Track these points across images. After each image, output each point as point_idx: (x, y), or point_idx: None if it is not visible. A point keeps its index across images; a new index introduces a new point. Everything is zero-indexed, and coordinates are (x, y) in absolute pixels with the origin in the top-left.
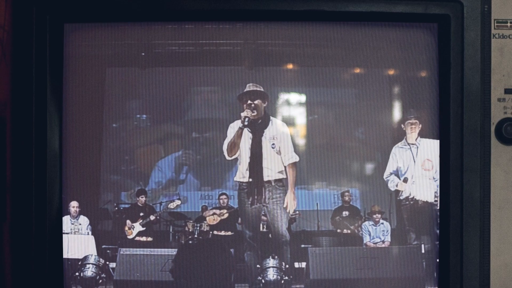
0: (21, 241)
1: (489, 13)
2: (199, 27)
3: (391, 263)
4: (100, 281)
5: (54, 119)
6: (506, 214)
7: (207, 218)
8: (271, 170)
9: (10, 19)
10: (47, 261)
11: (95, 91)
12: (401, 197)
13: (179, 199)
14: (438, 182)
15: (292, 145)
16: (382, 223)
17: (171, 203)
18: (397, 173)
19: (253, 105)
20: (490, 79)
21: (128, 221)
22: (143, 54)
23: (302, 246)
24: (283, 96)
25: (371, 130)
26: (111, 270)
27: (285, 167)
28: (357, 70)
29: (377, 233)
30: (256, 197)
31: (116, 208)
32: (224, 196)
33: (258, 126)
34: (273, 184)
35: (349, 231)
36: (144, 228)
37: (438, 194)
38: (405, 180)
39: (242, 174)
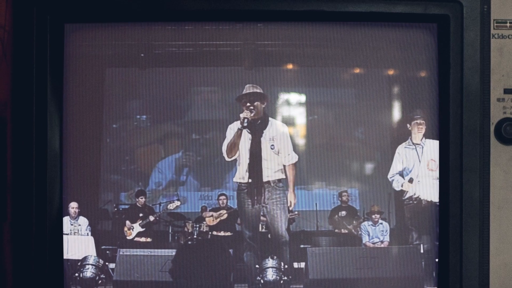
0: (22, 241)
1: (488, 13)
2: (198, 28)
3: (390, 263)
4: (100, 281)
5: (54, 119)
6: (505, 214)
7: (206, 219)
8: (271, 170)
9: (10, 19)
10: (48, 261)
11: (96, 91)
12: (405, 197)
13: (178, 199)
14: None
15: (292, 145)
16: (381, 223)
17: (171, 204)
18: (402, 173)
19: (251, 107)
20: (489, 79)
21: (127, 222)
22: (142, 55)
23: (301, 246)
24: (283, 97)
25: (370, 130)
26: (110, 270)
27: (284, 167)
28: (357, 70)
29: (376, 233)
30: (255, 197)
31: (116, 209)
32: (223, 197)
33: (257, 127)
34: (272, 184)
35: (347, 231)
36: (143, 229)
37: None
38: (411, 181)
39: (241, 175)
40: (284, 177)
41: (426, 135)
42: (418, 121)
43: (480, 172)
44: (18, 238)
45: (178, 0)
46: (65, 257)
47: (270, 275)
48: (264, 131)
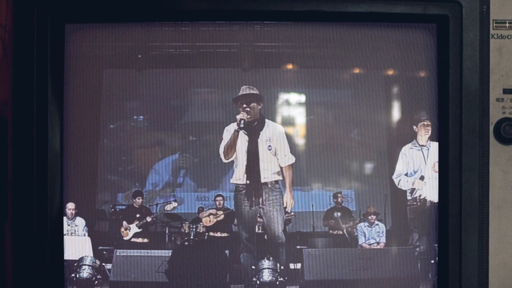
0: (22, 240)
1: (487, 14)
2: (196, 29)
3: (386, 264)
4: (96, 282)
5: (55, 119)
6: (504, 214)
7: (203, 220)
8: (268, 171)
9: (11, 19)
10: (48, 261)
11: (96, 91)
12: (410, 197)
13: (175, 200)
14: None
15: (288, 146)
16: (377, 224)
17: (168, 205)
18: (407, 174)
19: (248, 108)
20: (488, 79)
21: (124, 223)
22: (139, 56)
23: (298, 247)
24: (280, 97)
25: (368, 130)
26: (107, 271)
27: (281, 168)
28: (356, 71)
29: (372, 234)
30: (253, 199)
31: (113, 210)
32: (220, 198)
33: (253, 128)
34: (269, 186)
35: (342, 232)
36: (140, 230)
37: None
38: (422, 178)
39: (239, 176)
40: (281, 178)
41: (430, 137)
42: (426, 123)
43: (479, 172)
44: (19, 238)
45: (178, 0)
46: None
47: (266, 276)
48: (261, 132)
